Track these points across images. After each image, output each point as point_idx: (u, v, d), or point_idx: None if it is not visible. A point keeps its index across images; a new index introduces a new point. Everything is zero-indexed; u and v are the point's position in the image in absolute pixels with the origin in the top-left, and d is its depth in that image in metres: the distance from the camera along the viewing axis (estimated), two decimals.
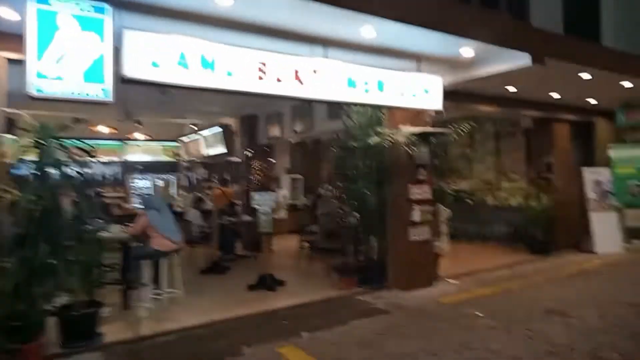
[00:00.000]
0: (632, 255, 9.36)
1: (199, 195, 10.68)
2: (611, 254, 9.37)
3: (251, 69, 4.69)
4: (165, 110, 9.86)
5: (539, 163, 10.14)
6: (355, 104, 6.02)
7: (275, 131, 11.12)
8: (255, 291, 6.78)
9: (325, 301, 6.37)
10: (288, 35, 4.98)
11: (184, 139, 15.76)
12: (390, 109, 6.53)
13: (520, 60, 5.66)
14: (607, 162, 10.71)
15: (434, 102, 6.18)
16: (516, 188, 11.01)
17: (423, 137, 6.70)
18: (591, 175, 10.06)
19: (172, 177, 16.57)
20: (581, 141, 10.83)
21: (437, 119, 7.09)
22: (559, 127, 9.86)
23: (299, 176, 13.77)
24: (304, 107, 9.69)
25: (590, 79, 7.09)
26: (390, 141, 6.43)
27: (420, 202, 6.91)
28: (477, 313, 5.61)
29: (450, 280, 7.38)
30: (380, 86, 5.57)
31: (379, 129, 6.53)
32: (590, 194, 9.94)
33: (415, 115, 6.82)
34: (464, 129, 7.02)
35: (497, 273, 8.02)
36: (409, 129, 6.62)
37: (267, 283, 6.86)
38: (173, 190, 15.90)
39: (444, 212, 9.82)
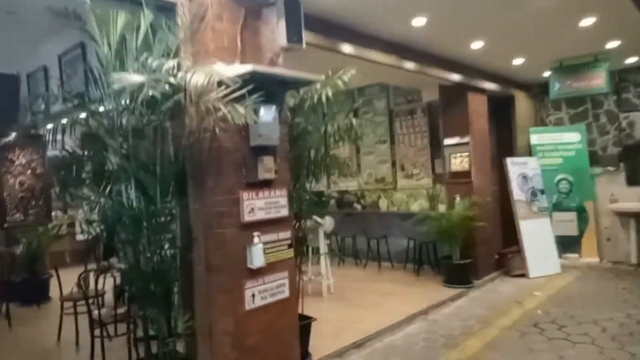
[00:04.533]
0: (573, 277, 7.15)
1: None
2: (548, 277, 7.12)
3: None
4: None
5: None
6: None
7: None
8: None
9: None
10: None
11: None
12: None
13: None
14: (529, 151, 8.56)
15: None
16: (419, 187, 8.29)
17: (266, 87, 3.29)
18: (516, 168, 7.71)
19: None
20: (498, 122, 8.50)
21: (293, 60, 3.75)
22: (476, 101, 7.29)
23: None
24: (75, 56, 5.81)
25: None
26: (189, 92, 2.87)
27: (266, 224, 3.53)
28: None
29: None
30: None
31: (167, 63, 2.92)
32: (517, 193, 7.56)
33: (246, 39, 3.42)
34: (346, 80, 3.79)
35: (406, 331, 5.09)
36: (232, 69, 3.16)
37: None
38: None
39: (322, 226, 6.77)
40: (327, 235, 8.22)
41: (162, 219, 3.30)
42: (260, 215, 3.50)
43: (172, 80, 2.72)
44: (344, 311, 5.68)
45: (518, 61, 7.04)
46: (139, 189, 3.26)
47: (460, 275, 6.72)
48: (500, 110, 8.44)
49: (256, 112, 3.30)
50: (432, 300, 5.96)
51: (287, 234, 3.73)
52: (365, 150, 9.12)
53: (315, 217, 4.20)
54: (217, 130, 3.14)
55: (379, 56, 5.20)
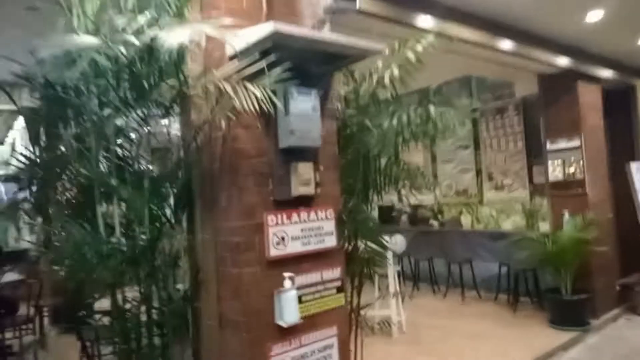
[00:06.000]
0: None
1: None
2: None
3: None
4: None
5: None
6: None
7: None
8: None
9: None
10: None
11: None
12: None
13: None
14: None
15: None
16: (512, 201, 6.81)
17: (301, 63, 2.23)
18: None
19: None
20: (611, 119, 6.79)
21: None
22: (588, 92, 5.74)
23: None
24: None
25: None
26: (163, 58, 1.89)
27: (303, 260, 2.46)
28: None
29: None
30: None
31: (137, 19, 1.92)
32: None
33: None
34: (420, 49, 2.63)
35: None
36: (242, 32, 2.13)
37: None
38: None
39: (389, 247, 5.55)
40: (399, 257, 7.00)
41: (156, 253, 2.33)
42: (294, 248, 2.42)
43: (133, 39, 1.72)
44: None
45: None
46: (126, 212, 2.33)
47: (572, 314, 5.19)
48: (614, 105, 6.73)
49: (286, 97, 2.25)
50: (536, 349, 4.53)
51: (335, 272, 2.62)
52: (443, 158, 7.77)
53: (373, 245, 3.00)
54: (228, 124, 2.14)
55: (465, 32, 3.96)
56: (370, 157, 2.98)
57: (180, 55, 2.07)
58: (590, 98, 5.74)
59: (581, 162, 5.49)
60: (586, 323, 5.18)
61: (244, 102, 1.95)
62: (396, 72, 2.65)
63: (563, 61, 5.21)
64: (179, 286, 2.49)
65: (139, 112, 2.26)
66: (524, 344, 4.71)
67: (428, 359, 4.46)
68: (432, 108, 2.62)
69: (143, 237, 2.29)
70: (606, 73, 5.98)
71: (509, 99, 6.92)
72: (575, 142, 5.52)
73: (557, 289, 5.33)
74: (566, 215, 5.41)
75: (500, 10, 4.18)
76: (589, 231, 5.09)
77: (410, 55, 2.58)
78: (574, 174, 5.53)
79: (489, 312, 5.93)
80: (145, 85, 2.12)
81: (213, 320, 2.42)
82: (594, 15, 4.57)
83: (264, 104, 2.00)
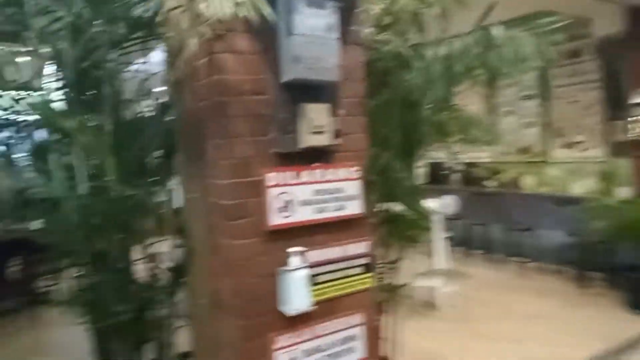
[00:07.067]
0: None
1: None
2: None
3: None
4: None
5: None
6: None
7: None
8: None
9: None
10: None
11: None
12: None
13: None
14: None
15: None
16: (584, 161, 5.87)
17: None
18: None
19: None
20: None
21: None
22: None
23: None
24: None
25: None
26: None
27: (317, 231, 1.89)
28: None
29: None
30: None
31: None
32: None
33: None
34: None
35: None
36: None
37: None
38: None
39: (436, 210, 4.92)
40: (449, 220, 6.29)
41: (132, 214, 1.85)
42: (304, 215, 1.86)
43: None
44: (464, 346, 3.80)
45: None
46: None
47: None
48: None
49: (289, 9, 1.63)
50: (611, 338, 3.79)
51: (361, 246, 2.04)
52: (504, 109, 6.84)
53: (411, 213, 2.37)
54: (207, 46, 1.57)
55: None
56: (411, 100, 2.32)
57: None
58: None
59: None
60: None
61: (219, 9, 1.35)
62: None
63: None
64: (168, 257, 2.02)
65: (96, 32, 1.72)
66: (596, 330, 3.98)
67: (476, 343, 3.84)
68: (496, 30, 1.90)
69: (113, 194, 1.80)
70: None
71: (585, 40, 5.83)
72: None
73: (637, 267, 4.50)
74: None
75: None
76: None
77: None
78: None
79: (552, 289, 5.16)
80: None
81: (205, 300, 1.94)
82: None
83: (252, 12, 1.39)
